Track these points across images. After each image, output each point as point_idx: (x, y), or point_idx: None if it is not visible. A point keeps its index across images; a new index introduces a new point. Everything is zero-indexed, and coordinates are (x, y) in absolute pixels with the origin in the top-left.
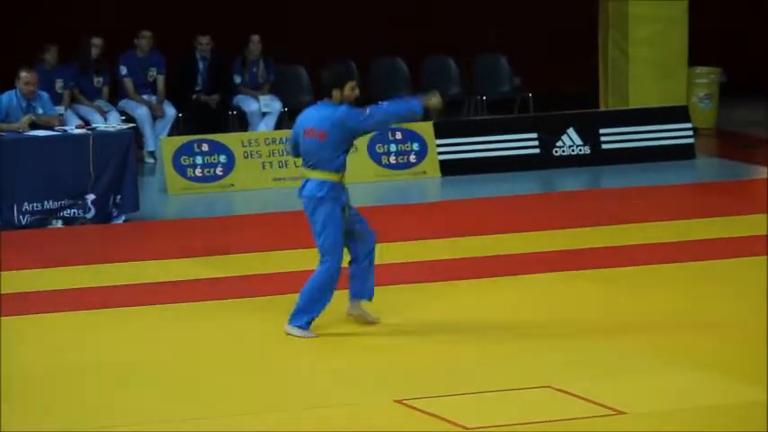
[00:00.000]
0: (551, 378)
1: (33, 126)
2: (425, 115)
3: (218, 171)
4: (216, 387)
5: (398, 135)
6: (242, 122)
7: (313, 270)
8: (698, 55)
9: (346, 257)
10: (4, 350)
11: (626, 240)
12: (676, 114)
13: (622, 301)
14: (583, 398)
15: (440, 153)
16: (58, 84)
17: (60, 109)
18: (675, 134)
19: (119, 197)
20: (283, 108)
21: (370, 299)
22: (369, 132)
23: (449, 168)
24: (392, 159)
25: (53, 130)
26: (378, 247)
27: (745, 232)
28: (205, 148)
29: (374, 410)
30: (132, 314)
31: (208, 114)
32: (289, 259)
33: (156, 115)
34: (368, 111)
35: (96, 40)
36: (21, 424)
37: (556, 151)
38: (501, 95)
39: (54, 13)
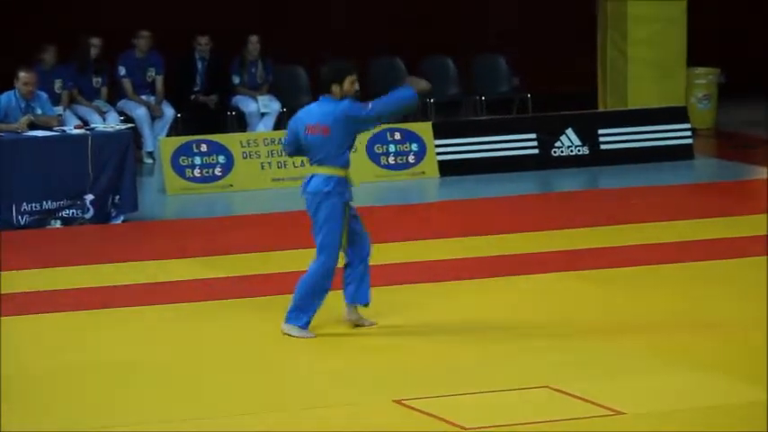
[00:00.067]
0: (550, 378)
1: (32, 126)
2: (423, 109)
3: (217, 171)
4: (216, 387)
5: (397, 135)
6: (241, 123)
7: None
8: (697, 55)
9: (343, 259)
10: (4, 350)
11: (625, 241)
12: (675, 115)
13: (621, 302)
14: (581, 398)
15: (438, 153)
16: (57, 84)
17: (59, 109)
18: (674, 135)
19: (117, 197)
20: (282, 108)
21: (366, 304)
22: (372, 122)
23: (447, 169)
24: (391, 160)
25: (52, 130)
26: (376, 247)
27: (745, 233)
28: (204, 148)
29: (373, 410)
30: (132, 314)
31: (206, 115)
32: (288, 259)
33: (154, 115)
34: (369, 105)
35: (95, 41)
36: (21, 424)
37: (554, 152)
38: (500, 96)
39: (53, 13)
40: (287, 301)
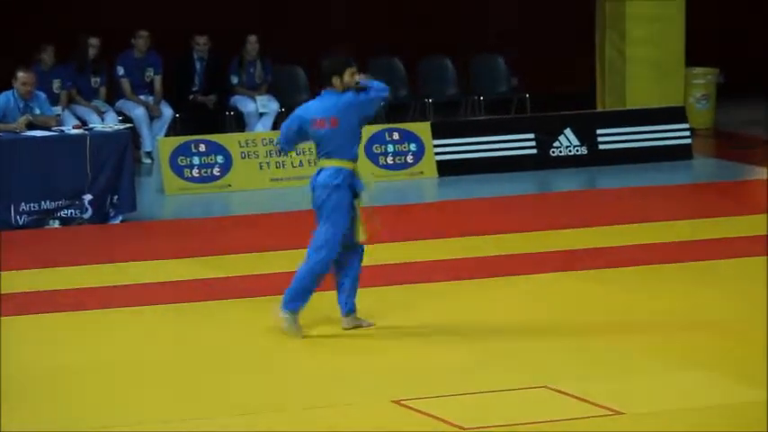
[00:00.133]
0: (549, 378)
1: (30, 126)
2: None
3: (216, 171)
4: (216, 387)
5: (396, 135)
6: (239, 123)
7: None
8: (695, 55)
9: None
10: (3, 350)
11: (623, 241)
12: (674, 115)
13: (620, 302)
14: (581, 398)
15: (437, 153)
16: (56, 84)
17: (57, 109)
18: (673, 135)
19: (116, 197)
20: (280, 108)
21: (354, 311)
22: (375, 104)
23: (446, 169)
24: (389, 160)
25: (50, 130)
26: (375, 247)
27: (744, 232)
28: (202, 148)
29: (372, 411)
30: (131, 314)
31: (205, 115)
32: (287, 259)
33: (153, 115)
34: (369, 89)
35: (93, 41)
36: (21, 424)
37: (553, 152)
38: (498, 96)
39: (51, 13)
40: None
